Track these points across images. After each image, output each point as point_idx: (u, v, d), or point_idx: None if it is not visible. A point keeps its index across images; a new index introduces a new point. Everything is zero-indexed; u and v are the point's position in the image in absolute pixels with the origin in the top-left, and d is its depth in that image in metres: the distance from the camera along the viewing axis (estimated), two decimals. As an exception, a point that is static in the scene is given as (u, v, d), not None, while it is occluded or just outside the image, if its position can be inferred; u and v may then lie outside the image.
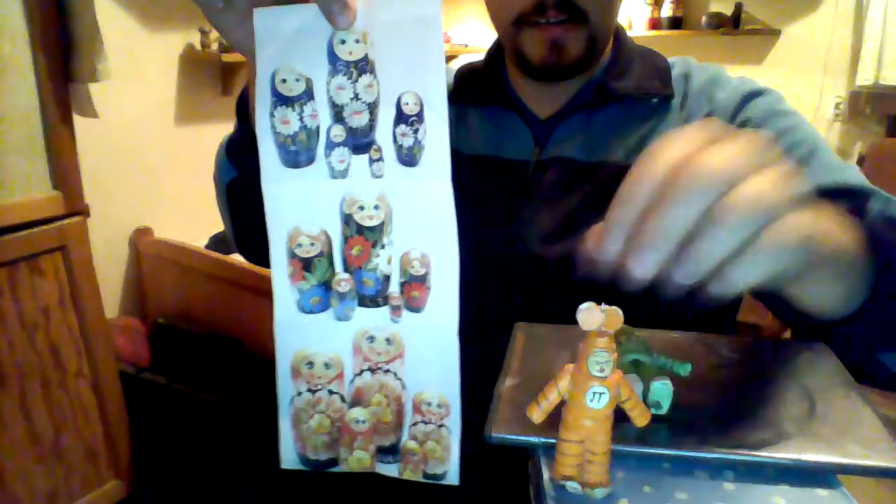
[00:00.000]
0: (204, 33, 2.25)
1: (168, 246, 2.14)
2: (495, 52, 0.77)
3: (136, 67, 2.13)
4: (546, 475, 0.34)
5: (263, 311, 2.01)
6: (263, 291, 1.93)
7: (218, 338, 1.98)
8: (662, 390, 0.35)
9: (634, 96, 0.68)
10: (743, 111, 0.65)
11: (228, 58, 2.21)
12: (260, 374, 1.86)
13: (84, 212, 1.49)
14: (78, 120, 1.46)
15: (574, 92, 0.71)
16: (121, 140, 2.10)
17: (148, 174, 2.22)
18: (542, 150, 0.70)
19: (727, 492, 0.32)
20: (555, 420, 0.37)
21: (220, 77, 2.39)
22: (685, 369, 0.39)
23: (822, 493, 0.32)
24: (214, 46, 2.25)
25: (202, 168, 2.45)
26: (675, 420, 0.36)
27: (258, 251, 0.70)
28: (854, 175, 0.59)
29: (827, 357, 0.43)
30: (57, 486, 1.51)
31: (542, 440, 0.35)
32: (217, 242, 2.21)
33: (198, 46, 2.27)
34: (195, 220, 2.28)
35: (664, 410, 0.36)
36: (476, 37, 3.07)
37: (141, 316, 2.23)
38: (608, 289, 0.57)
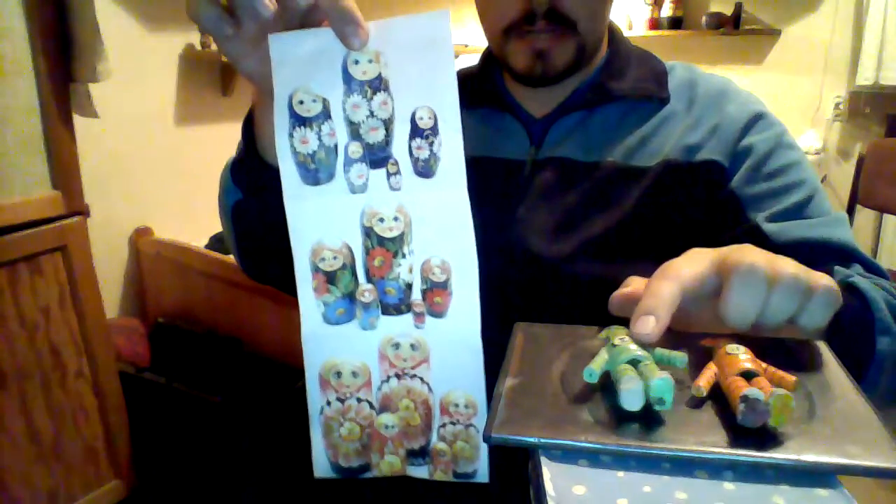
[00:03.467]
0: (204, 33, 2.25)
1: (168, 246, 2.14)
2: (490, 54, 0.77)
3: (136, 67, 2.13)
4: (546, 475, 0.34)
5: (263, 311, 2.02)
6: (263, 292, 1.93)
7: (218, 337, 1.98)
8: (664, 385, 0.35)
9: (630, 97, 0.68)
10: (749, 134, 0.66)
11: (228, 58, 2.21)
12: (260, 374, 1.87)
13: (84, 212, 1.49)
14: (78, 120, 1.46)
15: (569, 91, 0.71)
16: (121, 140, 2.11)
17: (148, 174, 2.23)
18: (539, 149, 0.70)
19: (727, 492, 0.32)
20: (554, 420, 0.37)
21: (220, 77, 2.40)
22: (682, 361, 0.39)
23: (822, 493, 0.32)
24: (214, 47, 2.25)
25: (202, 168, 2.47)
26: (674, 420, 0.36)
27: (262, 271, 0.70)
28: (842, 231, 0.62)
29: (827, 357, 0.43)
30: (57, 486, 1.51)
31: (542, 440, 0.35)
32: (217, 242, 2.21)
33: (198, 46, 2.27)
34: (195, 220, 2.28)
35: (668, 405, 0.35)
36: (476, 37, 3.07)
37: (141, 316, 2.23)
38: (606, 287, 0.58)
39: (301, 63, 0.41)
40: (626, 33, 0.78)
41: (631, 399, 0.35)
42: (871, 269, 0.62)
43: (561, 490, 0.33)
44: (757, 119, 0.67)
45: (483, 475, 0.43)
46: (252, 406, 1.78)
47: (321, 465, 0.44)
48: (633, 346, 0.38)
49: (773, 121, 0.68)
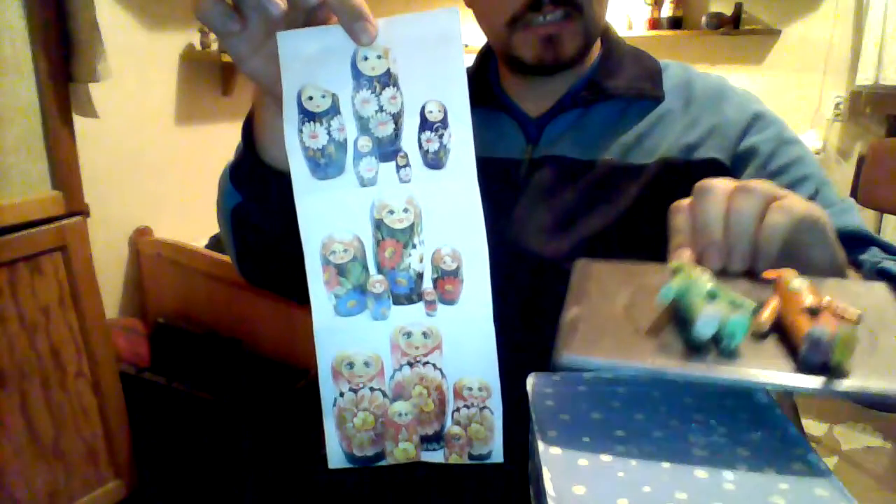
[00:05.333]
0: (204, 33, 2.25)
1: (168, 246, 2.14)
2: (485, 53, 0.77)
3: (136, 67, 2.13)
4: (546, 475, 0.34)
5: (263, 311, 2.01)
6: (263, 292, 1.92)
7: (218, 338, 1.98)
8: (740, 324, 0.35)
9: (625, 96, 0.68)
10: (749, 134, 0.66)
11: (228, 58, 2.21)
12: (260, 374, 1.87)
13: (84, 212, 1.49)
14: (78, 120, 1.46)
15: (565, 90, 0.71)
16: (121, 140, 2.11)
17: (148, 174, 2.23)
18: (535, 148, 0.70)
19: (727, 492, 0.32)
20: (621, 347, 0.36)
21: (220, 77, 2.40)
22: (749, 310, 0.38)
23: (821, 492, 0.32)
24: (214, 46, 2.25)
25: (202, 168, 2.47)
26: (738, 352, 0.36)
27: (261, 274, 0.70)
28: (853, 218, 0.63)
29: (889, 297, 0.42)
30: (57, 486, 1.51)
31: (612, 363, 0.35)
32: (217, 242, 2.21)
33: (198, 46, 2.27)
34: (195, 220, 2.28)
35: (734, 344, 0.35)
36: (476, 37, 3.06)
37: (141, 316, 2.23)
38: None
39: (310, 60, 0.41)
40: (626, 33, 0.78)
41: (706, 325, 0.35)
42: (889, 250, 0.62)
43: (561, 490, 0.33)
44: (756, 119, 0.67)
45: (498, 455, 0.44)
46: (252, 406, 1.78)
47: (335, 456, 0.44)
48: (708, 280, 0.38)
49: (771, 118, 0.68)
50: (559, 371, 0.36)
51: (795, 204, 0.42)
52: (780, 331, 0.37)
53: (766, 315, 0.37)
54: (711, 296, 0.37)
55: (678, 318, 0.38)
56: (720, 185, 0.43)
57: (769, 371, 0.34)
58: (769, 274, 0.41)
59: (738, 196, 0.42)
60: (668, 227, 0.45)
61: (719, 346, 0.36)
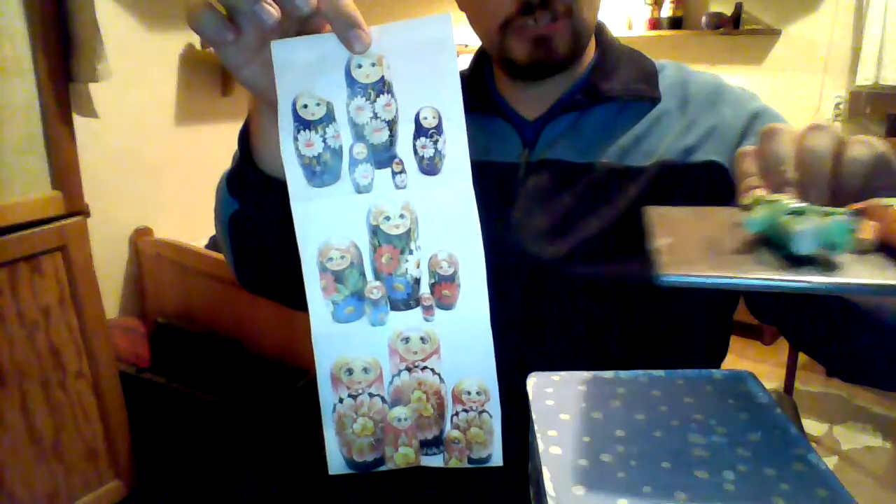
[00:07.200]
0: (204, 41, 2.25)
1: (168, 246, 2.14)
2: (480, 57, 0.77)
3: (136, 67, 2.13)
4: (546, 475, 0.34)
5: (263, 312, 2.01)
6: (263, 291, 1.93)
7: (218, 338, 1.98)
8: (840, 228, 0.32)
9: (622, 98, 0.68)
10: (749, 135, 0.66)
11: (228, 58, 2.21)
12: (260, 374, 1.87)
13: (84, 212, 1.49)
14: (78, 120, 1.46)
15: (561, 93, 0.71)
16: (121, 140, 2.11)
17: (148, 174, 2.23)
18: (531, 152, 0.70)
19: (727, 492, 0.32)
20: (722, 263, 0.35)
21: (220, 77, 2.39)
22: (855, 221, 0.34)
23: (821, 492, 0.32)
24: (214, 46, 2.25)
25: (202, 168, 2.47)
26: (845, 262, 0.33)
27: (259, 281, 0.70)
28: None
29: None
30: (57, 486, 1.51)
31: (714, 277, 0.33)
32: (217, 242, 2.21)
33: (198, 46, 2.27)
34: (195, 220, 2.28)
35: (841, 249, 0.33)
36: (474, 38, 3.06)
37: (141, 316, 2.23)
38: (604, 287, 0.57)
39: (304, 68, 0.41)
40: (626, 33, 0.78)
41: (805, 241, 0.33)
42: None
43: (561, 490, 0.33)
44: (754, 119, 0.66)
45: (497, 459, 0.44)
46: (252, 406, 1.78)
47: (335, 462, 0.44)
48: (793, 201, 0.36)
49: (770, 115, 0.67)
50: (665, 284, 0.33)
51: (874, 140, 0.41)
52: (883, 250, 0.34)
53: (869, 232, 0.34)
54: (799, 213, 0.34)
55: (770, 243, 0.36)
56: (788, 127, 0.42)
57: (885, 277, 0.31)
58: (855, 206, 0.38)
59: (811, 134, 0.41)
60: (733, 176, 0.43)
61: (821, 259, 0.33)
